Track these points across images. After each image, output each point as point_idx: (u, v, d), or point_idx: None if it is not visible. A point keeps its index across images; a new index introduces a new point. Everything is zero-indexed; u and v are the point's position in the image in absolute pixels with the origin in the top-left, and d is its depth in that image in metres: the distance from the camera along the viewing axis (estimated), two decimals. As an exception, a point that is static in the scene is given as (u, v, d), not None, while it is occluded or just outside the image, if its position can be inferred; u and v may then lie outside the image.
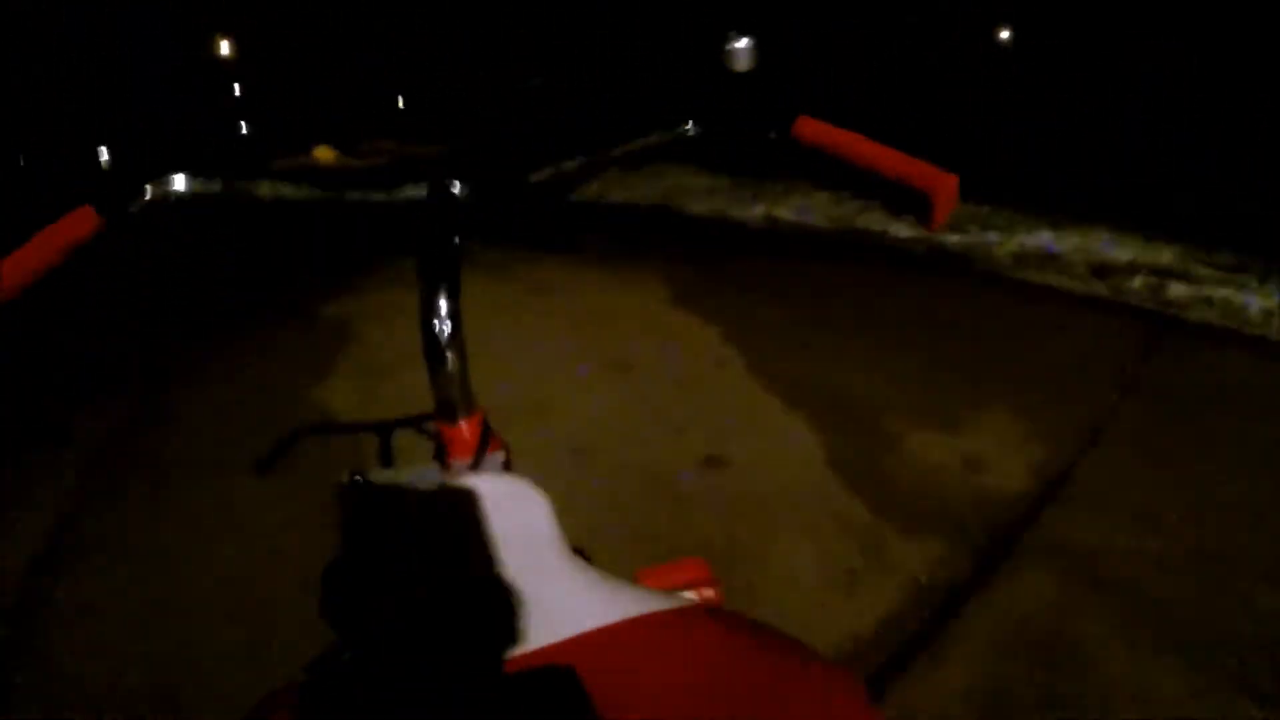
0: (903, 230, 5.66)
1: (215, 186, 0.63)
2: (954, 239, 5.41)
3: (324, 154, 14.68)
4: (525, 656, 0.48)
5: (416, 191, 0.68)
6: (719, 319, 3.77)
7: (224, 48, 21.58)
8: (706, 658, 0.48)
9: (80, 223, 0.60)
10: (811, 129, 0.67)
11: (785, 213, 6.46)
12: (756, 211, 6.67)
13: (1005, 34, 12.43)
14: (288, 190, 0.66)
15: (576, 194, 8.85)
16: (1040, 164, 7.77)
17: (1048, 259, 5.05)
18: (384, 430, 0.95)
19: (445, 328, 0.59)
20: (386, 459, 0.92)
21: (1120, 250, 5.20)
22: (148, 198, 0.61)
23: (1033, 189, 6.74)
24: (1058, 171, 7.41)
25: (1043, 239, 5.36)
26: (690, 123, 0.70)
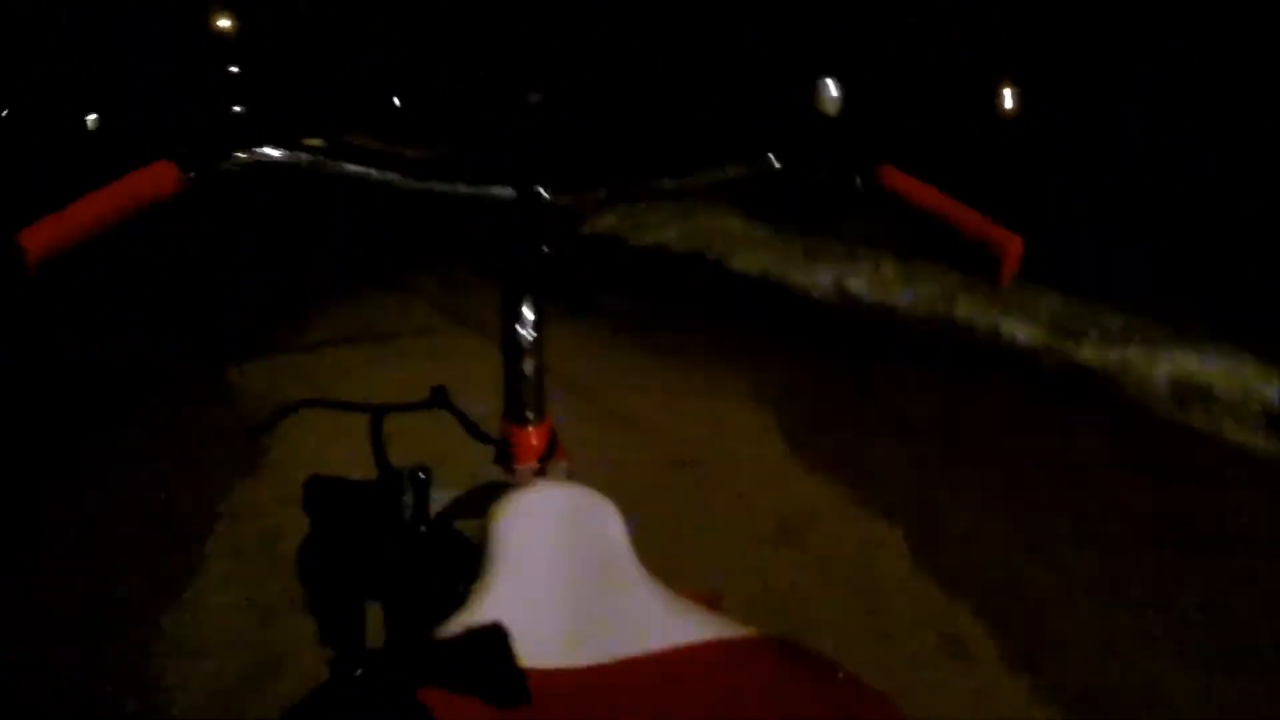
0: (1017, 330, 4.65)
1: (304, 158, 0.60)
2: (1086, 353, 4.43)
3: (311, 144, 14.48)
4: (592, 670, 0.47)
5: (474, 190, 0.64)
6: (875, 502, 2.63)
7: (224, 23, 19.86)
8: (771, 689, 0.46)
9: (158, 180, 0.54)
10: (895, 179, 0.63)
11: (860, 286, 5.40)
12: (822, 280, 5.59)
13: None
14: (369, 170, 0.62)
15: (588, 227, 7.63)
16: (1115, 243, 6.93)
17: (1209, 395, 4.11)
18: (379, 412, 0.82)
19: (528, 334, 0.61)
20: (378, 442, 0.78)
21: (1271, 384, 4.31)
22: (238, 163, 0.57)
23: (1119, 275, 5.86)
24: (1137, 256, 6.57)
25: (1191, 364, 4.43)
26: (771, 156, 0.65)
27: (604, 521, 0.54)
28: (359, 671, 0.43)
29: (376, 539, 0.57)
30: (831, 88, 9.23)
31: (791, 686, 0.45)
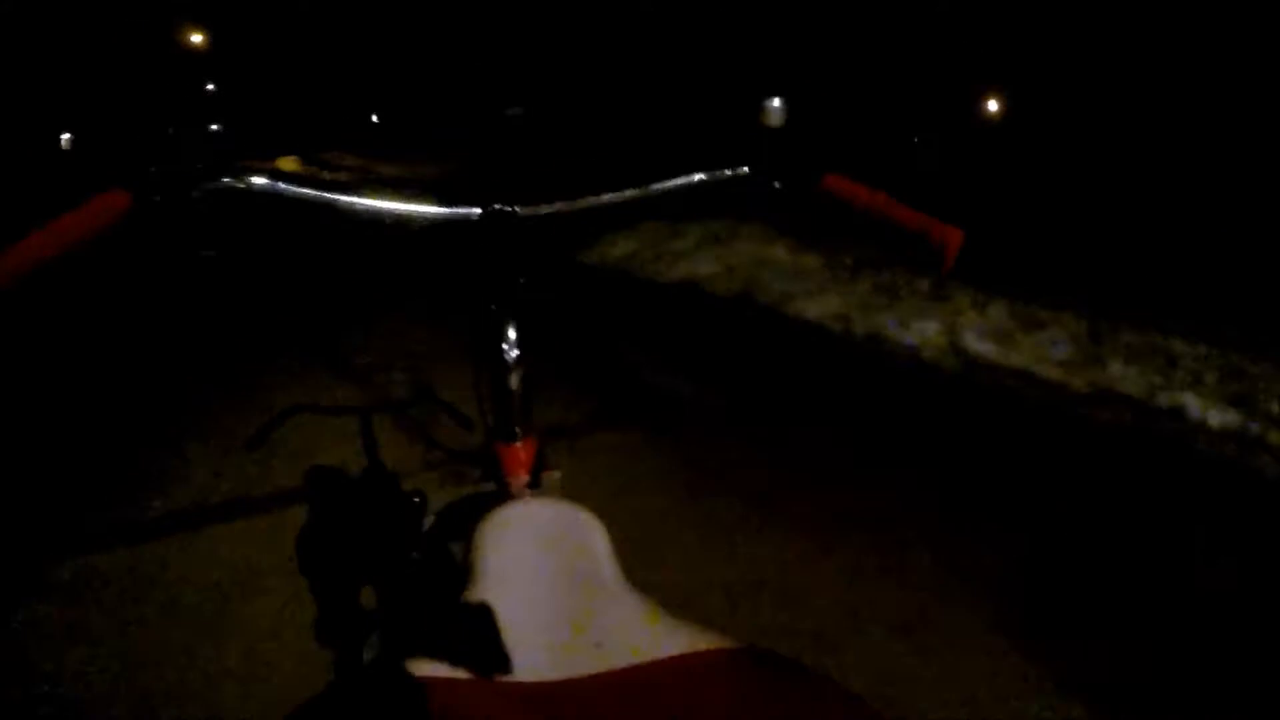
0: (1210, 412, 3.74)
1: (261, 184, 0.61)
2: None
3: (287, 164, 14.99)
4: (573, 682, 0.48)
5: (442, 211, 0.66)
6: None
7: (195, 38, 18.22)
8: (756, 701, 0.45)
9: (107, 208, 0.55)
10: (840, 185, 0.69)
11: (980, 344, 4.39)
12: (926, 333, 4.55)
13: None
14: (333, 196, 0.64)
15: (598, 257, 6.34)
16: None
17: None
18: (368, 413, 0.86)
19: (511, 351, 0.64)
20: (369, 442, 0.82)
21: None
22: (201, 191, 0.58)
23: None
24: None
25: None
26: (746, 167, 0.70)
27: (588, 535, 0.54)
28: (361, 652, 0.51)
29: (373, 534, 0.56)
30: (776, 103, 9.30)
31: (772, 696, 0.46)
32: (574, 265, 6.09)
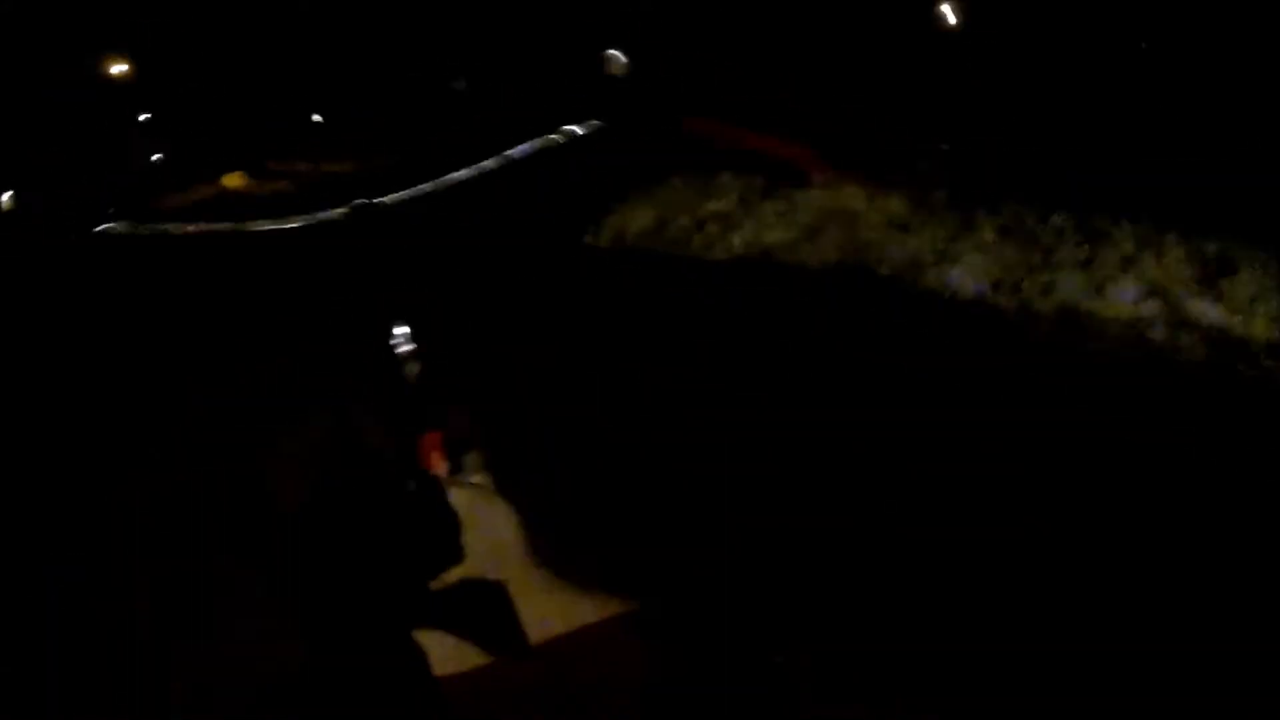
0: None
1: (138, 229, 0.75)
2: None
3: (233, 181, 15.09)
4: (490, 663, 0.50)
5: (307, 219, 0.74)
6: None
7: (118, 69, 17.53)
8: (660, 656, 0.49)
9: None
10: (699, 124, 0.74)
11: (1206, 312, 3.56)
12: (1126, 298, 3.62)
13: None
14: (201, 225, 0.81)
15: (611, 235, 4.57)
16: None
17: None
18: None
19: (403, 345, 0.64)
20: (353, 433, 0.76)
21: None
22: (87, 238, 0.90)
23: None
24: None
25: None
26: (591, 122, 0.75)
27: (495, 519, 0.56)
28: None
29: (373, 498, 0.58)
30: (616, 55, 9.61)
31: (675, 650, 0.49)
32: (579, 251, 4.32)
